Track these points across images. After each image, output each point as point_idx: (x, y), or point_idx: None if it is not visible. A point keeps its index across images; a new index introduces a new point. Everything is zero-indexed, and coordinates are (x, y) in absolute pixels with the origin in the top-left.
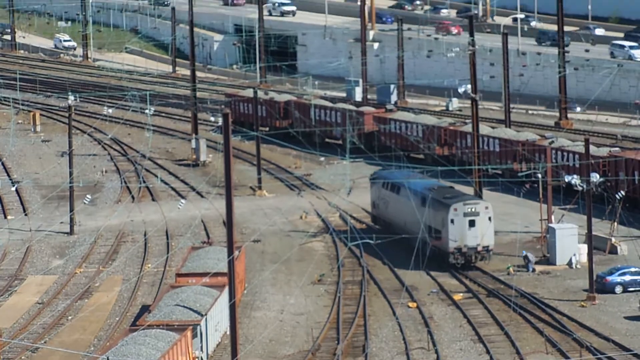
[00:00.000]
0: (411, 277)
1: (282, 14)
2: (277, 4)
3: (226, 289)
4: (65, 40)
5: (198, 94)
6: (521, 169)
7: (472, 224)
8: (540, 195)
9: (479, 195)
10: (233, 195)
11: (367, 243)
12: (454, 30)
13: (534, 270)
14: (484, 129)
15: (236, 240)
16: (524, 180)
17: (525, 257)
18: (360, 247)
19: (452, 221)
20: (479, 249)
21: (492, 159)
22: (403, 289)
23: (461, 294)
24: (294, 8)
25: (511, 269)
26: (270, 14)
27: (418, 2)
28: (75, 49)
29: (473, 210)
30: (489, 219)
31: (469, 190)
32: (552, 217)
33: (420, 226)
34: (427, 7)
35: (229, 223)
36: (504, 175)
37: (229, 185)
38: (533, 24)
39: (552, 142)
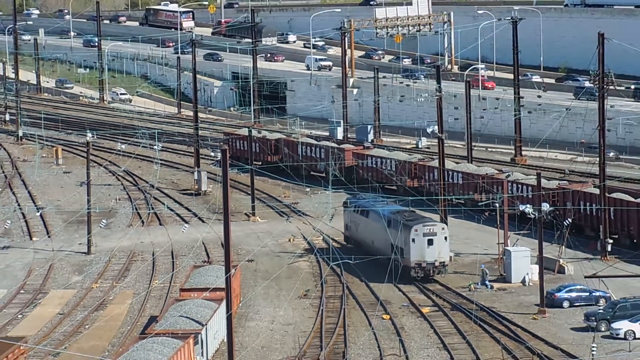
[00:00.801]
0: (385, 292)
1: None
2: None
3: (224, 302)
4: (121, 93)
5: (200, 132)
6: (481, 199)
7: (430, 242)
8: (498, 222)
9: (444, 221)
10: (230, 221)
11: (346, 263)
12: (489, 85)
13: (492, 286)
14: (449, 164)
15: (232, 260)
16: (483, 209)
17: (483, 272)
18: (340, 266)
19: (413, 240)
20: (437, 264)
21: (456, 190)
22: (378, 303)
23: (428, 308)
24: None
25: (472, 286)
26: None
27: (380, 52)
28: (130, 101)
29: (431, 230)
30: (445, 238)
31: (435, 217)
32: (508, 241)
33: (386, 244)
34: (389, 57)
35: (226, 245)
36: (466, 204)
37: (226, 212)
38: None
39: (509, 175)
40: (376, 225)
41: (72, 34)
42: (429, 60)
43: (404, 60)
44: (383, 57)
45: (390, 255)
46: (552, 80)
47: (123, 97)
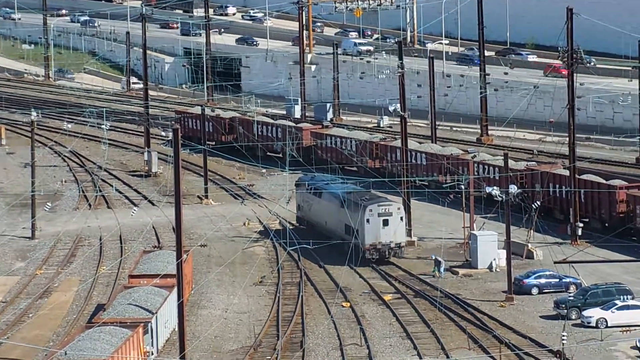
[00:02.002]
0: (345, 278)
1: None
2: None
3: (175, 289)
4: (134, 83)
5: (150, 110)
6: (446, 180)
7: (385, 223)
8: (464, 205)
9: (406, 204)
10: (182, 204)
11: (305, 247)
12: (564, 72)
13: (450, 272)
14: (412, 144)
15: (184, 245)
16: (448, 191)
17: (435, 260)
18: (298, 251)
19: (367, 221)
20: (392, 245)
21: (420, 171)
22: (337, 290)
23: (390, 295)
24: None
25: (436, 272)
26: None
27: (353, 33)
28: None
29: (386, 210)
30: (401, 218)
31: (398, 200)
32: (474, 225)
33: (340, 225)
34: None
35: (177, 229)
36: (430, 186)
37: (178, 194)
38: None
39: (474, 156)
40: (330, 205)
41: (15, 8)
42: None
43: (351, 33)
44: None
45: (344, 236)
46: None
47: (136, 86)
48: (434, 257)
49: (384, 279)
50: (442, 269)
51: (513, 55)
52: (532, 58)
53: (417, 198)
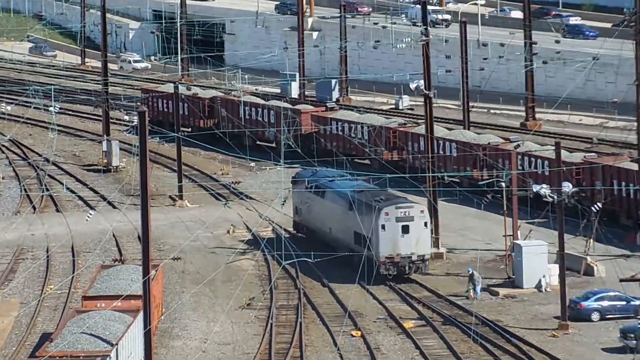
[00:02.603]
0: (355, 300)
1: None
2: None
3: (141, 314)
4: (135, 61)
5: (110, 89)
6: (482, 176)
7: (405, 230)
8: (504, 208)
9: (433, 205)
10: (150, 206)
11: (304, 261)
12: None
13: (488, 293)
14: (440, 130)
15: (153, 258)
16: (485, 190)
17: (471, 276)
18: (296, 265)
19: (383, 227)
20: (414, 258)
21: (449, 165)
22: (345, 315)
23: (412, 322)
24: None
25: (471, 292)
26: None
27: None
28: (148, 68)
29: (407, 214)
30: (425, 224)
31: (422, 200)
32: (518, 233)
33: (348, 232)
34: None
35: (144, 238)
36: (462, 184)
37: (145, 195)
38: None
39: (518, 145)
40: (335, 207)
41: None
42: None
43: None
44: None
45: (353, 247)
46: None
47: (138, 65)
48: (470, 271)
49: (404, 301)
50: (478, 289)
51: (552, 19)
52: (574, 21)
53: (446, 199)
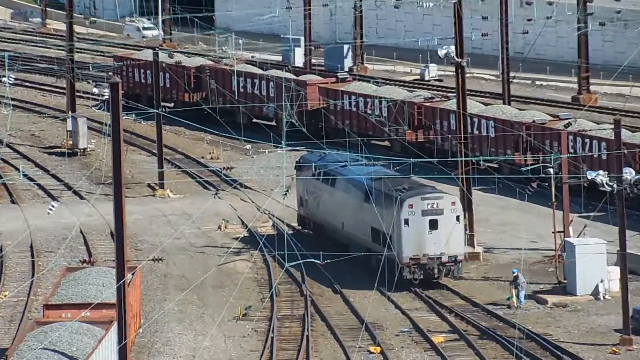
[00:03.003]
0: (373, 310)
1: None
2: None
3: (114, 327)
4: (145, 28)
5: (77, 56)
6: (525, 161)
7: (434, 225)
8: (553, 198)
9: (467, 196)
10: (124, 197)
11: (311, 262)
12: None
13: (534, 301)
14: (474, 106)
15: (129, 259)
16: (529, 178)
17: (515, 279)
18: (302, 268)
19: (406, 222)
20: (444, 259)
21: (486, 147)
22: (362, 328)
23: (443, 335)
24: None
25: (513, 299)
26: None
27: None
28: (161, 37)
29: (435, 206)
30: (457, 219)
31: (453, 190)
32: (570, 229)
33: (364, 228)
34: None
35: (118, 235)
36: (501, 170)
37: (118, 183)
38: None
39: (569, 124)
40: (348, 198)
41: None
42: None
43: None
44: None
45: (370, 245)
46: None
47: (148, 32)
48: (515, 273)
49: (432, 311)
50: (522, 296)
51: None
52: None
53: (482, 188)
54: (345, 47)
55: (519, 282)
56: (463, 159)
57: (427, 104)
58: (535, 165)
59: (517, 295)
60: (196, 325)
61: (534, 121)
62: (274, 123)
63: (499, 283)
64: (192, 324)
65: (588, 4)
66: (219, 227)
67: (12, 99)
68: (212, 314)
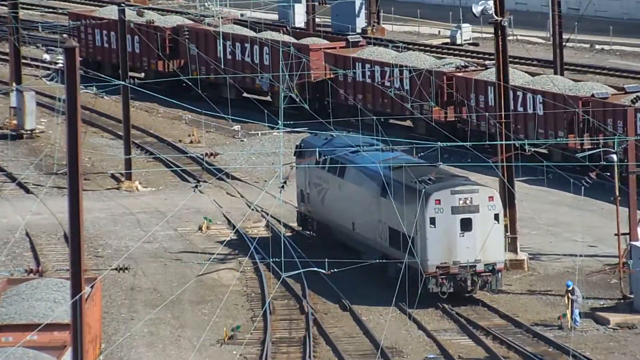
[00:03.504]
0: (392, 331)
1: None
2: None
3: (69, 352)
4: None
5: (22, 13)
6: (582, 145)
7: (466, 225)
8: (617, 192)
9: (509, 187)
10: (82, 190)
11: (315, 272)
12: None
13: (592, 320)
14: (518, 76)
15: (87, 269)
16: (587, 166)
17: (571, 292)
18: (302, 278)
19: (432, 221)
20: (479, 268)
21: (532, 128)
22: (377, 354)
23: None
24: None
25: (567, 318)
26: None
27: None
28: None
29: (468, 202)
30: (496, 217)
31: (491, 181)
32: (639, 230)
33: (381, 230)
34: None
35: (74, 238)
36: (552, 156)
37: (75, 173)
38: None
39: (638, 99)
40: (360, 192)
41: None
42: None
43: None
44: None
45: (388, 250)
46: None
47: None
48: (570, 286)
49: (464, 333)
50: (577, 314)
51: None
52: None
53: (528, 178)
54: (358, 2)
55: (574, 298)
56: (504, 142)
57: (459, 74)
58: (595, 151)
59: (572, 314)
60: (170, 351)
61: (593, 95)
62: (268, 98)
63: (548, 298)
64: (166, 349)
65: None
66: (200, 228)
67: None
68: (190, 336)
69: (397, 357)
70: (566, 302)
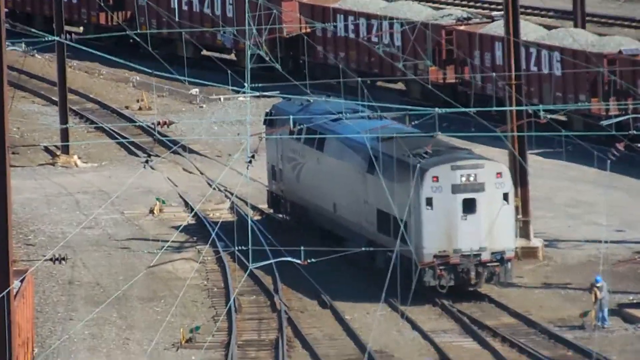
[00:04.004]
0: (382, 332)
1: None
2: None
3: None
4: None
5: None
6: (607, 112)
7: (469, 207)
8: None
9: (521, 162)
10: (10, 166)
11: (289, 263)
12: None
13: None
14: (531, 30)
15: (16, 259)
16: (613, 136)
17: (595, 289)
18: (274, 270)
19: (429, 202)
20: (485, 257)
21: (548, 91)
22: (364, 359)
23: None
24: None
25: (592, 314)
26: None
27: None
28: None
29: (471, 179)
30: (505, 197)
31: (499, 154)
32: None
33: (367, 212)
34: None
35: (0, 223)
36: (571, 125)
37: (1, 147)
38: None
39: None
40: (343, 167)
41: None
42: None
43: None
44: None
45: (375, 237)
46: None
47: None
48: (599, 282)
49: (467, 333)
50: (606, 312)
51: None
52: None
53: (543, 151)
54: None
55: (601, 296)
56: (514, 108)
57: (461, 28)
58: (622, 118)
59: (598, 313)
60: (116, 356)
61: (620, 52)
62: (233, 57)
63: (567, 292)
64: (111, 354)
65: None
66: (151, 211)
67: None
68: (140, 339)
69: None
70: (593, 299)
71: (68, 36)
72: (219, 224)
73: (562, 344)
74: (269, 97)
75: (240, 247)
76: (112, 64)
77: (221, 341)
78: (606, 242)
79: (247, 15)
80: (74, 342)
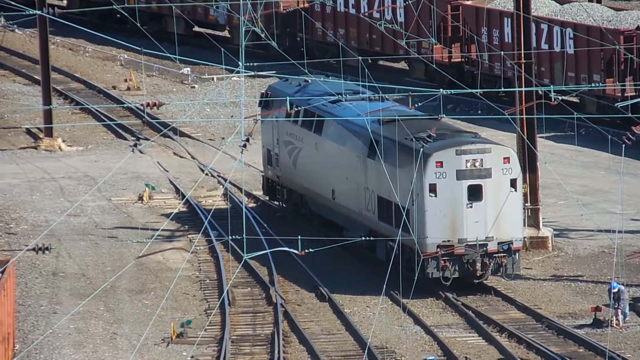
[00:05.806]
0: (382, 327)
1: None
2: None
3: None
4: None
5: None
6: (623, 93)
7: (475, 194)
8: None
9: (530, 146)
10: None
11: (286, 254)
12: None
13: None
14: (543, 3)
15: None
16: (629, 118)
17: (616, 293)
18: (270, 261)
19: (432, 188)
20: (492, 247)
21: (560, 71)
22: (364, 355)
23: None
24: None
25: (612, 320)
26: None
27: None
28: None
29: (477, 164)
30: (513, 184)
31: (507, 138)
32: None
33: (367, 199)
34: None
35: None
36: (584, 106)
37: None
38: None
39: None
40: (342, 152)
41: None
42: None
43: None
44: None
45: (376, 226)
46: None
47: None
48: (616, 288)
49: (472, 329)
50: (627, 309)
51: None
52: None
53: (553, 135)
54: None
55: (619, 296)
56: (523, 89)
57: (468, 3)
58: (639, 99)
59: (618, 311)
60: (103, 352)
61: (638, 28)
62: (226, 33)
63: (579, 285)
64: (98, 349)
65: None
66: (140, 198)
67: None
68: (128, 334)
69: (388, 359)
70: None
71: (51, 10)
72: (211, 212)
73: (572, 340)
74: (264, 76)
75: (234, 236)
76: (98, 41)
77: (214, 336)
78: (620, 232)
79: None
80: (58, 337)
